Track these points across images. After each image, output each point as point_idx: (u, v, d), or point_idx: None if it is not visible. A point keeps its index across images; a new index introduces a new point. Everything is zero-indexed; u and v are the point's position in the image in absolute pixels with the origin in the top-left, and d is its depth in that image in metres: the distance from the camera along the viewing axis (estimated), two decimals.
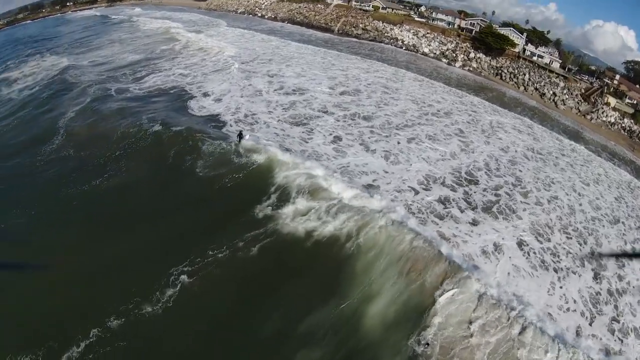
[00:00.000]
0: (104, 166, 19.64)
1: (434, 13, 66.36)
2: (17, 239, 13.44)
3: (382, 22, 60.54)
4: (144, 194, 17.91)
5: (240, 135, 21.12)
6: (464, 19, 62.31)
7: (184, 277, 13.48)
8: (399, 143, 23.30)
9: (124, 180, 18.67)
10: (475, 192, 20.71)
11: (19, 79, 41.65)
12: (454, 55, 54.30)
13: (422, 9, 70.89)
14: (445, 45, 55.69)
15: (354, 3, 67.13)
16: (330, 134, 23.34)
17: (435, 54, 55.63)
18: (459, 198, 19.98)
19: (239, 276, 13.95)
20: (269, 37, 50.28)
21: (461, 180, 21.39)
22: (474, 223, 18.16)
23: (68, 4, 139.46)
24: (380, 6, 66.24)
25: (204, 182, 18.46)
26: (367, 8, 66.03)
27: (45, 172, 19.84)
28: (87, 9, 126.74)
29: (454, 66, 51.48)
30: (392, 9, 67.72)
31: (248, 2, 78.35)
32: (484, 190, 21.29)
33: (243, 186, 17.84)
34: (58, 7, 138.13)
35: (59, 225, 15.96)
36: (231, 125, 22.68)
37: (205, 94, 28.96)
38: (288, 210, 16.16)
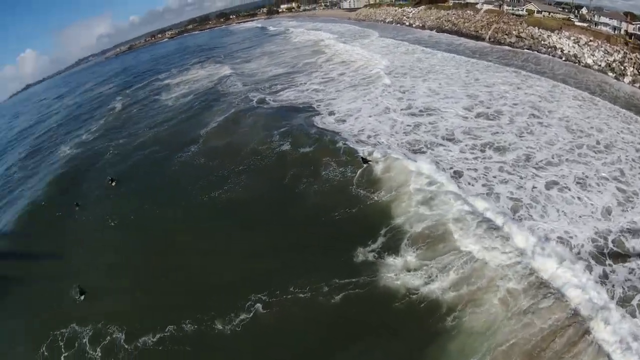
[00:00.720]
0: (226, 179, 23.48)
1: (596, 16, 55.74)
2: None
3: (538, 28, 55.10)
4: (251, 211, 20.31)
5: (365, 161, 21.60)
6: (631, 23, 50.14)
7: (259, 305, 14.24)
8: (534, 188, 18.92)
9: (237, 196, 21.72)
10: (618, 274, 14.11)
11: (178, 85, 55.76)
12: (622, 68, 43.86)
13: (584, 11, 60.37)
14: (612, 55, 45.92)
15: (505, 7, 63.30)
16: (450, 168, 21.18)
17: (599, 65, 46.50)
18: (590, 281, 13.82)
19: (313, 320, 13.83)
20: (413, 48, 50.70)
21: (603, 254, 15.03)
22: None
23: (231, 17, 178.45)
24: (535, 10, 60.46)
25: (313, 209, 19.32)
26: (521, 12, 61.45)
27: (177, 177, 25.71)
28: (249, 21, 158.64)
29: (622, 81, 41.28)
30: (549, 13, 60.89)
31: (395, 11, 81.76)
32: (631, 272, 14.30)
33: (352, 221, 17.68)
34: (222, 20, 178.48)
35: (181, 224, 20.52)
36: (356, 150, 23.13)
37: (332, 113, 31.05)
38: (394, 262, 15.12)
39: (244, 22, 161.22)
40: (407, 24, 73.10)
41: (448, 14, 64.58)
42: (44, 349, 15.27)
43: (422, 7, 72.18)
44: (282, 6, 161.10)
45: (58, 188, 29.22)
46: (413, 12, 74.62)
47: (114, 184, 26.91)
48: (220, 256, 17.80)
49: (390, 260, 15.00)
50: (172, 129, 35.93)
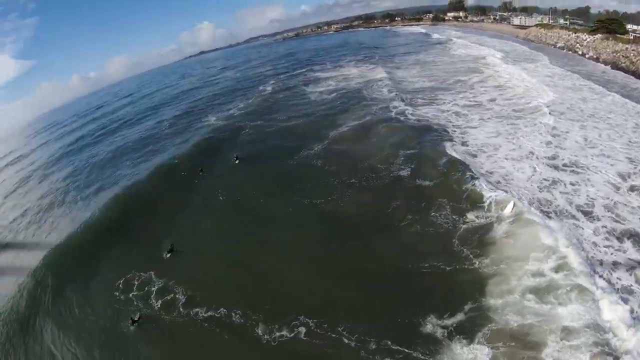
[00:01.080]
0: (332, 189, 24.05)
1: None
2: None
3: None
4: (340, 231, 20.18)
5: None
6: None
7: (303, 329, 14.24)
8: None
9: (335, 211, 21.91)
10: None
11: (327, 80, 59.86)
12: None
13: None
14: None
15: None
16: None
17: None
18: None
19: None
20: (581, 83, 41.46)
21: None
22: None
23: (397, 18, 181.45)
24: None
25: (401, 252, 17.72)
26: None
27: (290, 173, 27.76)
28: (414, 24, 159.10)
29: None
30: None
31: (568, 36, 71.13)
32: None
33: (439, 282, 15.46)
34: (387, 20, 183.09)
35: (277, 220, 22.31)
36: (483, 197, 20.41)
37: (465, 143, 28.25)
38: (461, 351, 12.40)
39: (409, 25, 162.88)
40: (580, 52, 62.59)
41: (627, 48, 51.30)
42: (122, 281, 19.38)
43: (599, 36, 60.47)
44: (449, 14, 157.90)
45: (193, 151, 35.80)
46: (588, 40, 63.08)
47: (237, 161, 31.03)
48: (295, 262, 18.36)
49: (458, 347, 12.43)
50: (306, 123, 39.05)
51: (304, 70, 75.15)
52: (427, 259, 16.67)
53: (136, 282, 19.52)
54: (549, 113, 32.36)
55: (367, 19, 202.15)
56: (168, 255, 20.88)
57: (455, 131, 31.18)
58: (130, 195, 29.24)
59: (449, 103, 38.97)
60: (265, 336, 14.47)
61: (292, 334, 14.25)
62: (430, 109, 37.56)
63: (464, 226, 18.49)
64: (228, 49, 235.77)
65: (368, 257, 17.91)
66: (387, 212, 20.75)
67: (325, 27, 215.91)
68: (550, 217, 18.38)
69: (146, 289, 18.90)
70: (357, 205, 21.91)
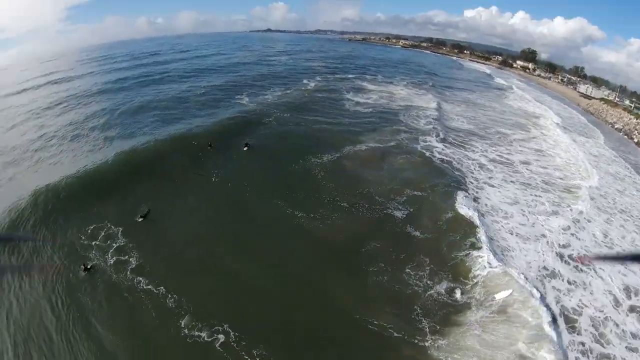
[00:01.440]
0: (320, 206, 23.55)
1: None
2: None
3: None
4: (307, 256, 19.63)
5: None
6: None
7: (221, 337, 14.17)
8: None
9: (313, 229, 21.46)
10: None
11: (371, 93, 58.80)
12: None
13: None
14: None
15: None
16: None
17: None
18: None
19: None
20: (625, 174, 38.68)
21: None
22: None
23: (465, 51, 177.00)
24: None
25: (363, 305, 16.56)
26: None
27: (296, 178, 27.28)
28: (481, 62, 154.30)
29: None
30: None
31: (629, 119, 67.52)
32: None
33: (383, 347, 14.55)
34: (456, 51, 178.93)
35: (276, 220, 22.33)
36: (472, 270, 18.98)
37: (477, 199, 26.88)
38: None
39: (476, 61, 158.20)
40: (636, 140, 58.94)
41: None
42: (92, 228, 20.59)
43: None
44: (518, 62, 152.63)
45: (211, 126, 36.44)
46: None
47: (246, 148, 31.13)
48: (254, 271, 18.13)
49: None
50: (328, 130, 38.44)
51: (354, 76, 74.51)
52: (379, 316, 15.73)
53: (103, 234, 20.17)
54: (587, 196, 29.94)
55: (437, 44, 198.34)
56: (140, 219, 21.18)
57: (472, 183, 29.59)
58: (135, 152, 29.84)
59: (478, 152, 37.09)
60: (185, 330, 14.52)
61: (210, 339, 14.16)
62: (457, 152, 35.75)
63: (435, 295, 17.25)
64: (294, 35, 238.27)
65: (319, 290, 17.21)
66: (362, 251, 19.86)
67: (394, 40, 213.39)
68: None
69: (108, 242, 19.56)
70: (336, 232, 21.18)
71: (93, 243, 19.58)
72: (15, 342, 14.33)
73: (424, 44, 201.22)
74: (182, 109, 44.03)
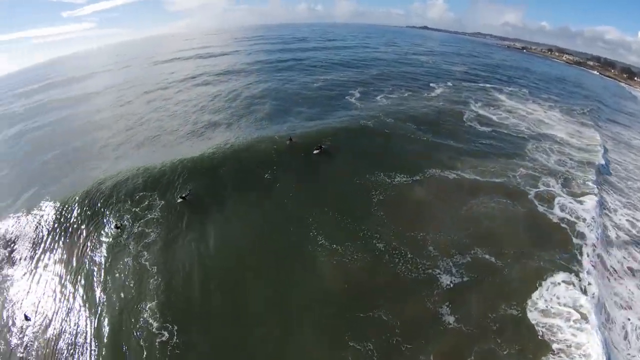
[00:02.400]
0: (369, 250, 19.72)
1: None
2: None
3: None
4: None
5: None
6: None
7: None
8: None
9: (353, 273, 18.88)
10: None
11: (503, 109, 47.85)
12: None
13: None
14: None
15: None
16: None
17: None
18: None
19: None
20: None
21: None
22: None
23: (636, 78, 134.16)
24: None
25: None
26: None
27: (355, 209, 23.16)
28: None
29: None
30: None
31: None
32: None
33: None
34: (625, 76, 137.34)
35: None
36: None
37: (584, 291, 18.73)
38: None
39: None
40: None
41: None
42: (140, 195, 23.53)
43: None
44: None
45: (306, 129, 33.16)
46: None
47: (317, 151, 28.29)
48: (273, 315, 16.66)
49: None
50: (422, 144, 32.17)
51: (493, 86, 62.22)
52: None
53: (147, 203, 21.67)
54: None
55: (605, 65, 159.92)
56: (180, 200, 21.91)
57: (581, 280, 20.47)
58: (234, 146, 29.65)
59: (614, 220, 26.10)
60: (146, 315, 16.11)
61: (157, 332, 15.53)
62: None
63: None
64: (450, 35, 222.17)
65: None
66: (362, 315, 16.12)
67: (557, 53, 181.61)
68: None
69: (146, 212, 21.43)
70: (347, 277, 17.91)
71: (134, 208, 21.98)
72: None
73: (590, 63, 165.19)
74: (293, 103, 42.75)
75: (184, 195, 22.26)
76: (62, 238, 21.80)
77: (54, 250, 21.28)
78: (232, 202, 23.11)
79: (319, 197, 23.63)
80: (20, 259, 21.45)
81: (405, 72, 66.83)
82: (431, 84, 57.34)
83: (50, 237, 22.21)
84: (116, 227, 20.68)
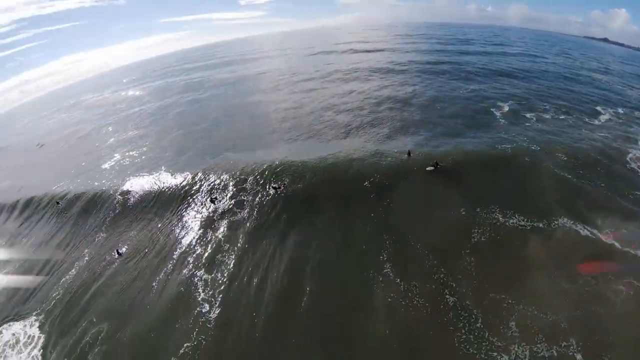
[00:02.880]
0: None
1: None
2: None
3: None
4: None
5: None
6: None
7: None
8: None
9: None
10: None
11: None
12: None
13: None
14: None
15: None
16: None
17: None
18: None
19: None
20: None
21: None
22: None
23: None
24: None
25: None
26: None
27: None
28: None
29: None
30: None
31: None
32: None
33: None
34: None
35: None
36: None
37: None
38: None
39: None
40: None
41: None
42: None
43: None
44: None
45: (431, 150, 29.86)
46: None
47: (431, 168, 25.56)
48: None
49: None
50: (558, 191, 24.61)
51: None
52: None
53: (247, 186, 24.45)
54: None
55: None
56: (273, 190, 24.56)
57: None
58: (349, 154, 28.63)
59: None
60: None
61: None
62: None
63: None
64: (635, 51, 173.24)
65: None
66: None
67: None
68: None
69: (240, 194, 25.42)
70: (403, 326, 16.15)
71: (232, 188, 24.16)
72: None
73: None
74: (432, 112, 38.56)
75: (275, 185, 24.31)
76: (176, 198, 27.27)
77: (164, 207, 26.95)
78: (322, 210, 23.16)
79: (409, 220, 21.29)
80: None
81: (570, 90, 53.91)
82: (597, 108, 45.02)
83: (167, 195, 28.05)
84: (212, 200, 25.10)
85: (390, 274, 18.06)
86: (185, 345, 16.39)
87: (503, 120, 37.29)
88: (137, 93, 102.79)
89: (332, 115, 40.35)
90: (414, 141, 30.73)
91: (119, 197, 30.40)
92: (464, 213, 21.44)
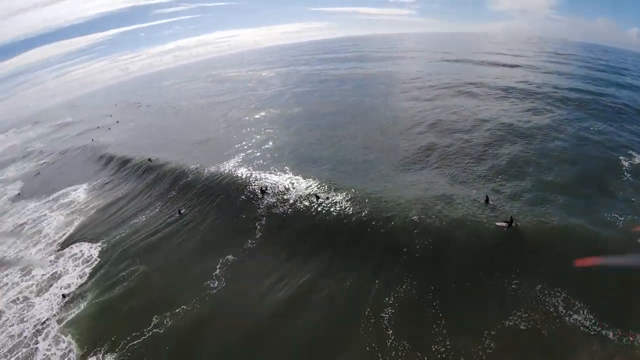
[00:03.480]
0: None
1: None
2: None
3: None
4: None
5: None
6: None
7: None
8: None
9: None
10: None
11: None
12: None
13: None
14: None
15: None
16: None
17: None
18: None
19: None
20: None
21: None
22: None
23: None
24: None
25: None
26: None
27: None
28: None
29: None
30: None
31: None
32: None
33: None
34: None
35: None
36: None
37: None
38: None
39: None
40: None
41: None
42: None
43: None
44: None
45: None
46: None
47: (485, 202, 21.30)
48: None
49: None
50: None
51: None
52: None
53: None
54: None
55: None
56: (317, 198, 24.05)
57: None
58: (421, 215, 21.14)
59: None
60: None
61: None
62: None
63: None
64: None
65: None
66: None
67: None
68: None
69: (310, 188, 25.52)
70: None
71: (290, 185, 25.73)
72: None
73: None
74: (546, 159, 27.52)
75: (316, 194, 24.17)
76: None
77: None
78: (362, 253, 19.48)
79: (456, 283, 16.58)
80: None
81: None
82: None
83: None
84: (262, 191, 26.13)
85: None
86: (194, 299, 18.58)
87: (631, 179, 24.72)
88: (266, 74, 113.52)
89: (425, 131, 35.54)
90: (506, 185, 23.71)
91: (205, 171, 32.46)
92: (514, 287, 16.04)
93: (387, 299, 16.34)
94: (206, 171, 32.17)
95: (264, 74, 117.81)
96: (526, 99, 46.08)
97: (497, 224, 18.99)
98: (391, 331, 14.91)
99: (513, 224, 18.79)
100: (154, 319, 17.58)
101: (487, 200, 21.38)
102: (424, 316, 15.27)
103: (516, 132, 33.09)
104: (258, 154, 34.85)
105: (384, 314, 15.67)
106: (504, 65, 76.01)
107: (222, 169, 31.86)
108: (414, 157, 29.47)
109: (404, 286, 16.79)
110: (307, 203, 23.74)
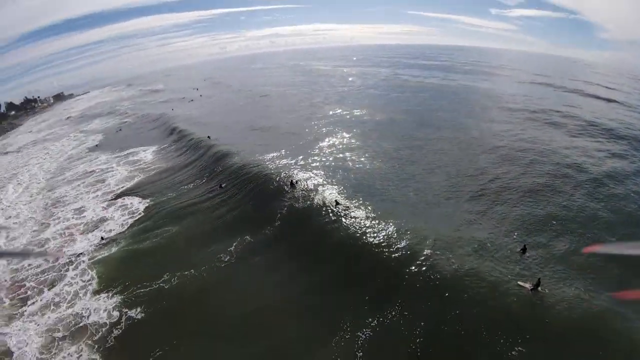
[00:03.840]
0: None
1: None
2: None
3: None
4: None
5: None
6: None
7: None
8: None
9: None
10: None
11: None
12: None
13: None
14: None
15: None
16: None
17: None
18: None
19: None
20: None
21: None
22: None
23: None
24: None
25: None
26: None
27: None
28: None
29: None
30: None
31: None
32: None
33: None
34: None
35: None
36: None
37: None
38: None
39: None
40: None
41: None
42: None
43: None
44: None
45: None
46: None
47: (522, 251, 18.40)
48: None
49: None
50: None
51: None
52: None
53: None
54: None
55: None
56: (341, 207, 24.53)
57: None
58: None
59: None
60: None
61: None
62: None
63: None
64: None
65: None
66: None
67: None
68: None
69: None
70: None
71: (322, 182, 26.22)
72: None
73: None
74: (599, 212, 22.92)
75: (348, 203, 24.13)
76: None
77: None
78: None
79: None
80: None
81: None
82: None
83: None
84: (291, 184, 26.62)
85: None
86: (203, 267, 20.18)
87: None
88: (347, 71, 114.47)
89: (483, 153, 32.91)
90: (554, 240, 19.79)
91: (254, 155, 33.88)
92: None
93: (370, 319, 15.63)
94: (255, 156, 33.75)
95: (346, 70, 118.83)
96: (610, 138, 38.49)
97: (519, 282, 16.06)
98: (361, 353, 14.44)
99: (540, 288, 15.65)
100: (165, 276, 19.53)
101: (523, 250, 18.21)
102: (400, 351, 14.21)
103: (590, 178, 27.28)
104: (308, 151, 35.06)
105: (360, 334, 15.11)
106: (598, 97, 66.82)
107: (268, 157, 33.19)
108: (463, 184, 26.60)
109: (394, 313, 15.68)
110: (326, 208, 23.37)
